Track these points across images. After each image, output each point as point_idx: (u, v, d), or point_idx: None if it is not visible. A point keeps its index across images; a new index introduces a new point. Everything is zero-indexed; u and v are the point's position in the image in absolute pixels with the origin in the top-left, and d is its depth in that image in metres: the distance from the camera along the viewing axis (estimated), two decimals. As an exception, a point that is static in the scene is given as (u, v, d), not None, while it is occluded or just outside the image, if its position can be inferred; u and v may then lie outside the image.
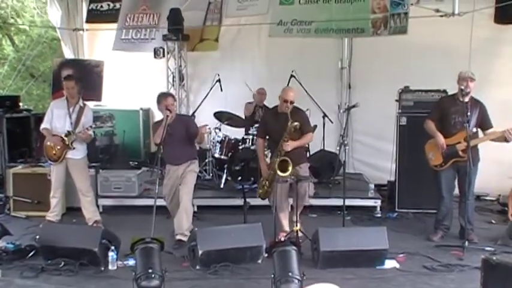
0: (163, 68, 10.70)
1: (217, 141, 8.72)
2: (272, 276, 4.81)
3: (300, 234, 6.24)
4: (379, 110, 9.04)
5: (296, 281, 4.66)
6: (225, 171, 8.54)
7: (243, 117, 9.22)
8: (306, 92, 8.70)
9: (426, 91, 7.87)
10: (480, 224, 7.16)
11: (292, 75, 8.80)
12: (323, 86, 9.82)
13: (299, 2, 9.30)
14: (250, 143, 8.41)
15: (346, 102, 9.80)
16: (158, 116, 7.40)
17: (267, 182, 6.55)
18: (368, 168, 9.76)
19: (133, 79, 11.03)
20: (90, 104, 7.80)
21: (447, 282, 5.33)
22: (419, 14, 8.16)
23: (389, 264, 5.73)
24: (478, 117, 6.38)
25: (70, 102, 7.04)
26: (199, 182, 8.27)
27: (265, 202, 6.84)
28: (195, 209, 7.54)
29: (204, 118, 8.91)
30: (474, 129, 6.38)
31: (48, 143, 6.96)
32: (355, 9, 8.93)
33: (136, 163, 9.92)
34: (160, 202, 6.76)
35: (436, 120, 6.57)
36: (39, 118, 7.92)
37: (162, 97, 6.61)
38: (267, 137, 6.75)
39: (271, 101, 8.68)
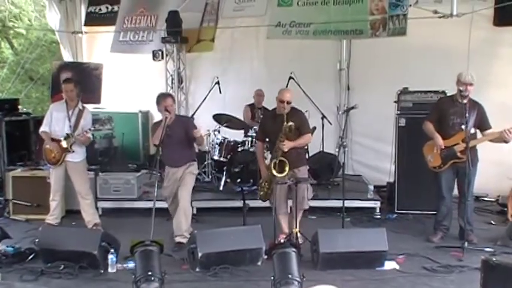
0: (162, 70, 10.70)
1: (217, 144, 8.72)
2: (272, 278, 4.81)
3: (299, 236, 6.24)
4: (378, 111, 9.03)
5: (296, 282, 4.66)
6: (224, 173, 8.54)
7: (242, 119, 9.22)
8: (305, 93, 8.70)
9: (425, 92, 7.86)
10: (480, 224, 7.16)
11: (291, 77, 8.80)
12: (322, 88, 9.82)
13: (297, 3, 9.30)
14: (249, 145, 8.42)
15: (345, 104, 9.81)
16: (157, 117, 7.39)
17: (266, 184, 6.54)
18: (367, 169, 9.76)
19: (132, 81, 11.04)
20: (89, 107, 7.80)
21: (447, 283, 5.33)
22: (417, 15, 8.16)
23: (389, 265, 5.73)
24: (476, 118, 6.38)
25: (69, 105, 7.04)
26: (199, 184, 8.28)
27: (265, 204, 6.83)
28: (194, 212, 7.55)
29: (203, 120, 8.91)
30: (472, 130, 6.39)
31: (47, 146, 6.97)
32: (354, 11, 8.92)
33: (135, 165, 9.91)
34: (160, 204, 6.76)
35: (434, 121, 6.57)
36: (39, 121, 7.91)
37: (161, 98, 6.60)
38: (267, 139, 6.74)
39: (270, 103, 8.70)
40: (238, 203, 7.07)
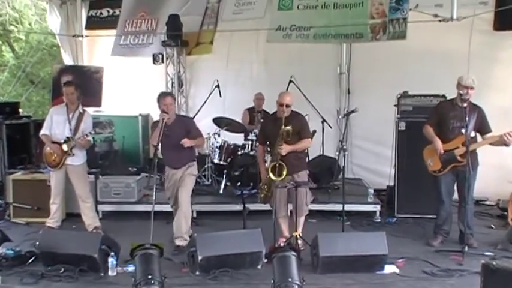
0: (162, 73, 10.72)
1: (217, 147, 8.72)
2: (272, 281, 4.82)
3: (299, 239, 6.25)
4: (378, 115, 9.03)
5: (296, 286, 4.68)
6: (224, 176, 8.54)
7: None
8: (305, 97, 8.71)
9: (425, 96, 7.87)
10: (480, 228, 7.15)
11: (291, 81, 8.81)
12: (322, 91, 9.82)
13: (297, 7, 9.32)
14: (249, 149, 8.42)
15: (345, 108, 9.81)
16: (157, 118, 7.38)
17: (265, 187, 6.54)
18: (367, 173, 9.75)
19: (133, 85, 11.06)
20: (90, 110, 7.81)
21: (447, 287, 5.33)
22: (418, 19, 8.18)
23: (389, 269, 5.72)
24: (476, 121, 6.38)
25: (70, 108, 7.05)
26: (199, 188, 8.29)
27: (265, 207, 6.84)
28: (195, 215, 7.55)
29: (204, 124, 8.93)
30: (473, 134, 6.39)
31: (48, 149, 6.97)
32: (354, 15, 8.93)
33: (135, 169, 9.90)
34: (159, 208, 6.78)
35: (434, 125, 6.58)
36: (39, 124, 7.93)
37: (161, 96, 6.60)
38: (268, 143, 6.73)
39: (270, 106, 8.71)
40: (238, 207, 7.09)
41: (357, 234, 6.80)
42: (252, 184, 8.10)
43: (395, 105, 8.05)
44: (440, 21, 8.07)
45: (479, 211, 8.02)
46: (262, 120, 9.02)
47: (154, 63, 10.62)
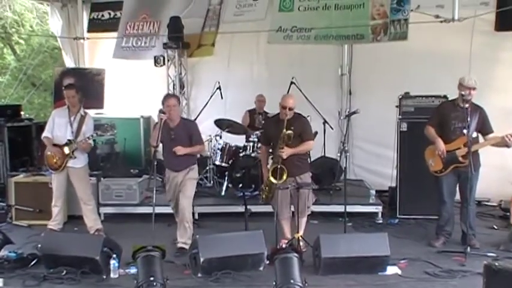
0: (163, 75, 10.72)
1: (218, 149, 8.72)
2: (274, 283, 4.82)
3: (301, 241, 6.24)
4: (379, 116, 9.03)
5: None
6: (226, 178, 8.54)
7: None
8: (306, 98, 8.70)
9: (426, 97, 7.86)
10: (482, 229, 7.14)
11: (292, 82, 8.80)
12: (323, 93, 9.82)
13: (298, 8, 9.31)
14: (250, 150, 8.42)
15: (346, 109, 9.79)
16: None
17: (266, 188, 6.54)
18: (369, 174, 9.74)
19: (134, 87, 11.08)
20: (91, 112, 7.82)
21: (449, 288, 5.33)
22: (419, 19, 8.16)
23: (391, 270, 5.72)
24: (478, 122, 6.39)
25: (71, 111, 7.06)
26: (200, 190, 8.28)
27: (266, 209, 6.84)
28: (196, 217, 7.55)
29: (205, 125, 8.95)
30: (474, 134, 6.39)
31: (49, 152, 6.98)
32: (355, 16, 8.92)
33: (137, 171, 9.92)
34: (161, 210, 6.78)
35: (435, 126, 6.57)
36: (41, 127, 7.94)
37: (166, 98, 6.62)
38: (271, 144, 6.73)
39: (271, 108, 8.72)
40: (240, 208, 7.08)
41: (358, 235, 6.81)
42: (253, 186, 8.10)
43: (396, 106, 8.04)
44: (441, 22, 8.06)
45: (481, 212, 8.01)
46: (263, 122, 9.05)
47: (155, 65, 10.63)
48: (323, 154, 9.01)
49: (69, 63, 11.30)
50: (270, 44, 9.69)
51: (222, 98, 9.40)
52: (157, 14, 10.81)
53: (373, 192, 8.22)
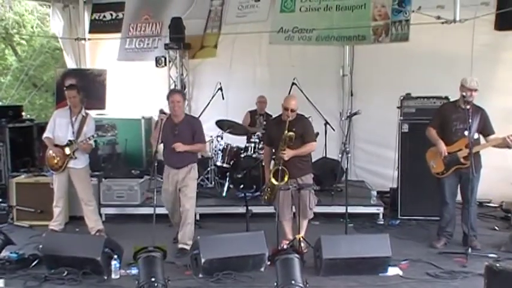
0: (165, 76, 10.74)
1: (219, 150, 8.72)
2: (275, 284, 4.82)
3: (302, 242, 6.24)
4: (380, 117, 9.03)
5: (299, 288, 4.67)
6: (227, 179, 8.54)
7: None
8: (308, 99, 8.69)
9: (428, 98, 7.86)
10: (483, 230, 7.14)
11: (293, 83, 8.80)
12: (324, 94, 9.81)
13: (300, 9, 9.32)
14: (252, 151, 8.42)
15: (347, 110, 9.79)
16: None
17: (268, 189, 6.53)
18: (370, 175, 9.73)
19: (135, 88, 11.09)
20: (93, 113, 7.82)
21: (450, 289, 5.33)
22: (420, 21, 8.17)
23: (392, 271, 5.73)
24: (479, 123, 6.38)
25: (73, 111, 7.06)
26: (202, 190, 8.31)
27: (268, 210, 6.83)
28: (197, 218, 7.54)
29: (206, 126, 8.90)
30: (476, 136, 6.38)
31: (50, 153, 6.99)
32: (356, 17, 8.93)
33: (138, 172, 9.92)
34: (162, 210, 6.77)
35: (437, 127, 6.57)
36: (42, 127, 7.94)
37: (170, 93, 6.62)
38: (274, 145, 6.71)
39: (272, 109, 8.72)
40: (241, 209, 7.07)
41: (360, 236, 6.82)
42: (255, 186, 8.10)
43: (398, 107, 8.04)
44: (442, 23, 8.06)
45: (482, 213, 8.01)
46: (265, 123, 9.05)
47: (156, 66, 10.65)
48: (324, 155, 9.01)
49: (71, 64, 11.32)
50: (271, 45, 9.70)
51: (223, 98, 9.39)
52: (159, 15, 10.83)
53: (374, 193, 8.21)
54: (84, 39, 11.15)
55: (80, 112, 7.08)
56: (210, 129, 8.84)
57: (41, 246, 5.95)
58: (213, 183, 9.06)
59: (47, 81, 15.97)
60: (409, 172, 7.85)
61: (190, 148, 6.44)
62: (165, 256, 5.26)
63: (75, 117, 7.04)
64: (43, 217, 7.54)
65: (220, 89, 9.31)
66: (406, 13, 8.46)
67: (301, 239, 6.27)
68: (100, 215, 7.61)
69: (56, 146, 6.98)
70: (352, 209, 7.16)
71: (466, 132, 6.25)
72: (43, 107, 16.63)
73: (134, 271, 5.55)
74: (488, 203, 8.61)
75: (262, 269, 5.77)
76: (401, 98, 8.02)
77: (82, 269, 5.55)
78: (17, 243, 6.30)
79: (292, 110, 6.27)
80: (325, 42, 9.27)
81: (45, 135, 7.13)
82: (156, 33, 10.82)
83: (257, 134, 8.56)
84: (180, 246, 6.46)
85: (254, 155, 8.33)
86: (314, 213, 6.68)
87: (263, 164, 7.12)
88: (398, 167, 8.03)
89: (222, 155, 8.67)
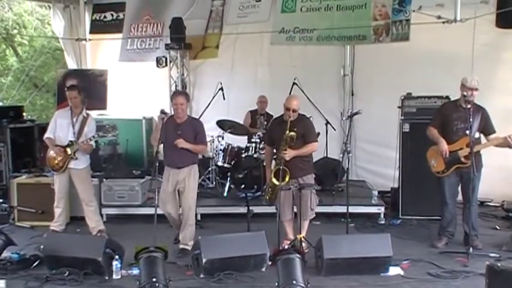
0: (165, 76, 10.75)
1: (220, 150, 8.73)
2: (276, 284, 4.82)
3: (303, 241, 6.24)
4: (381, 116, 9.04)
5: (300, 288, 4.67)
6: (228, 179, 8.54)
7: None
8: (309, 99, 8.68)
9: (429, 97, 7.86)
10: (484, 230, 7.14)
11: (294, 83, 8.80)
12: (325, 94, 9.81)
13: (301, 9, 9.33)
14: (253, 151, 8.42)
15: (348, 110, 9.79)
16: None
17: (270, 189, 6.53)
18: (371, 175, 9.73)
19: (136, 88, 11.10)
20: (94, 113, 7.83)
21: (451, 288, 5.33)
22: (421, 20, 8.17)
23: (394, 271, 5.72)
24: (480, 122, 6.38)
25: (74, 112, 7.06)
26: (203, 191, 8.31)
27: (269, 210, 6.83)
28: (199, 218, 7.54)
29: (207, 126, 8.90)
30: (477, 135, 6.38)
31: (51, 153, 6.99)
32: (357, 17, 8.94)
33: (139, 172, 9.92)
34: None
35: (438, 126, 6.57)
36: (43, 128, 7.95)
37: (174, 95, 6.66)
38: (275, 145, 6.71)
39: (273, 109, 8.73)
40: (243, 209, 7.06)
41: (361, 236, 6.81)
42: (256, 186, 8.10)
43: (399, 107, 8.04)
44: (443, 22, 8.06)
45: (483, 212, 8.01)
46: (265, 123, 9.06)
47: (157, 66, 10.65)
48: (325, 155, 9.00)
49: (71, 64, 11.33)
50: (272, 45, 9.71)
51: (224, 98, 9.37)
52: (160, 16, 10.85)
53: (375, 193, 8.21)
54: (85, 39, 11.16)
55: (81, 113, 7.09)
56: (211, 129, 8.84)
57: (42, 246, 5.94)
58: (214, 183, 9.06)
59: (48, 81, 15.99)
60: (410, 172, 7.85)
61: (192, 147, 6.40)
62: (166, 256, 5.26)
63: (76, 117, 7.05)
64: (44, 218, 7.54)
65: (221, 89, 9.30)
66: (406, 13, 8.48)
67: (302, 239, 6.26)
68: (101, 215, 7.60)
69: (57, 146, 6.98)
70: (353, 209, 7.13)
71: (467, 132, 6.24)
72: (44, 108, 16.64)
73: (135, 271, 5.56)
74: (489, 202, 8.61)
75: (264, 269, 5.77)
76: (402, 97, 8.02)
77: (83, 270, 5.55)
78: (18, 243, 6.31)
79: (293, 110, 6.27)
80: (326, 42, 9.29)
81: (46, 135, 7.13)
82: (157, 34, 10.83)
83: (258, 134, 8.56)
84: (181, 246, 6.46)
85: (255, 155, 8.33)
86: (315, 213, 6.68)
87: (264, 164, 7.13)
88: (399, 167, 8.03)
89: (223, 155, 8.68)
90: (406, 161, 7.91)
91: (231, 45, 10.52)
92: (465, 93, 6.30)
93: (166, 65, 10.66)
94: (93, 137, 6.99)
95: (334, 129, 9.20)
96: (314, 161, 8.40)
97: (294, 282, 4.72)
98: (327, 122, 8.97)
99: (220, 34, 10.45)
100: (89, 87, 10.01)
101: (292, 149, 6.24)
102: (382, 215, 7.94)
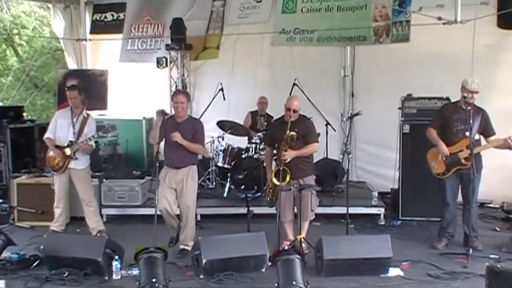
0: (166, 77, 10.74)
1: (221, 150, 8.74)
2: (276, 285, 4.82)
3: (303, 242, 6.24)
4: (382, 117, 9.04)
5: (300, 289, 4.67)
6: (229, 180, 8.54)
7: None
8: (309, 100, 8.68)
9: (429, 99, 7.86)
10: (484, 231, 7.14)
11: (294, 84, 8.80)
12: (326, 94, 9.80)
13: (301, 10, 9.33)
14: (253, 152, 8.42)
15: (349, 110, 9.79)
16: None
17: (270, 190, 6.53)
18: (371, 176, 9.72)
19: (136, 89, 11.10)
20: (94, 113, 7.83)
21: (451, 290, 5.33)
22: (421, 21, 8.16)
23: (394, 272, 5.72)
24: (480, 124, 6.38)
25: (74, 112, 7.07)
26: (203, 191, 8.31)
27: (269, 211, 6.82)
28: (199, 218, 7.54)
29: (208, 127, 8.90)
30: (477, 137, 6.38)
31: (51, 153, 7.00)
32: (357, 18, 8.93)
33: (139, 172, 9.92)
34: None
35: (437, 128, 6.57)
36: (43, 128, 7.95)
37: (175, 94, 6.68)
38: (276, 145, 6.71)
39: (273, 110, 8.73)
40: (243, 210, 7.05)
41: (361, 237, 6.81)
42: (256, 187, 8.10)
43: (399, 108, 8.04)
44: (443, 23, 8.05)
45: (483, 214, 8.01)
46: (266, 123, 9.06)
47: (158, 66, 10.64)
48: (325, 156, 9.00)
49: (72, 64, 11.32)
50: (273, 46, 9.71)
51: (224, 99, 9.38)
52: (161, 16, 10.84)
53: (375, 194, 8.22)
54: (86, 40, 11.15)
55: (81, 113, 7.09)
56: (211, 130, 8.84)
57: (42, 247, 5.94)
58: (214, 184, 9.07)
59: (48, 82, 16.00)
60: (410, 173, 7.85)
61: (188, 144, 6.31)
62: (166, 257, 5.27)
63: (76, 118, 7.05)
64: (44, 218, 7.54)
65: (222, 89, 9.30)
66: (406, 14, 8.47)
67: (302, 239, 6.26)
68: (101, 215, 7.60)
69: (57, 146, 6.99)
70: (353, 210, 7.14)
71: (467, 133, 6.24)
72: (44, 108, 16.65)
73: (135, 272, 5.56)
74: (489, 203, 8.61)
75: (263, 270, 5.77)
76: (403, 98, 8.03)
77: (83, 270, 5.55)
78: (18, 244, 6.30)
79: (294, 111, 6.27)
80: (326, 43, 9.28)
81: (46, 135, 7.13)
82: (158, 34, 10.83)
83: (258, 134, 8.56)
84: (181, 246, 6.46)
85: (255, 156, 8.33)
86: (315, 214, 6.68)
87: (264, 164, 7.12)
88: (399, 168, 8.03)
89: (223, 156, 8.69)
90: (406, 162, 7.91)
91: (232, 45, 10.52)
92: (465, 95, 6.30)
93: (166, 65, 10.65)
94: (93, 136, 6.99)
95: (335, 130, 9.21)
96: (314, 161, 8.43)
97: (294, 283, 4.73)
98: (327, 123, 8.97)
99: (220, 35, 10.44)
100: (89, 88, 10.00)
101: (292, 150, 6.24)
102: (382, 216, 7.94)
